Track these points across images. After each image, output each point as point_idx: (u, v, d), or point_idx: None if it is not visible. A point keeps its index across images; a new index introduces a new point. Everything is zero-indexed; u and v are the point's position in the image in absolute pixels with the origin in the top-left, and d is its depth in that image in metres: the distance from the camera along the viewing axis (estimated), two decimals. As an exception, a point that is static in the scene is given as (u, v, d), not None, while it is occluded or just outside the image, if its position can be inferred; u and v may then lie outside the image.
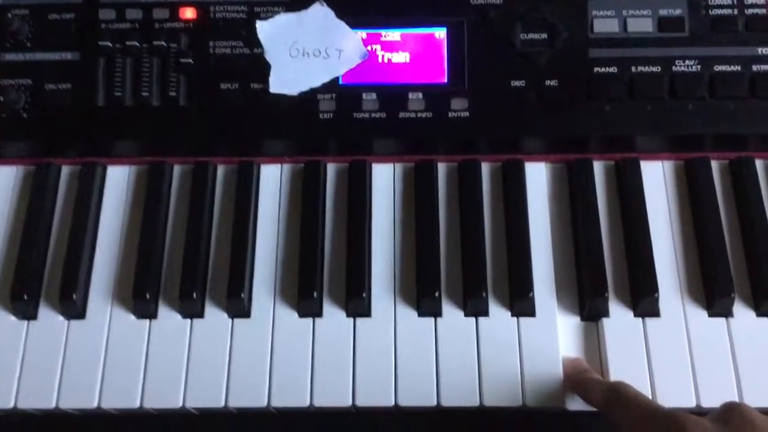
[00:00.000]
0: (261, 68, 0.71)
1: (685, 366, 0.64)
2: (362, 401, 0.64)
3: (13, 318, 0.67)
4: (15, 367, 0.65)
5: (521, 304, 0.66)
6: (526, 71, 0.71)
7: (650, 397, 0.62)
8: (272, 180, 0.72)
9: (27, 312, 0.67)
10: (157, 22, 0.72)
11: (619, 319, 0.66)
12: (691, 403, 0.63)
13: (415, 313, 0.67)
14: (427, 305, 0.66)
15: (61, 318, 0.67)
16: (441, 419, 0.67)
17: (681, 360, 0.64)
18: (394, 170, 0.72)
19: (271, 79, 0.70)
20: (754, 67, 0.71)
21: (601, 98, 0.70)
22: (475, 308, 0.66)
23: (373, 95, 0.71)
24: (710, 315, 0.66)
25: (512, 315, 0.66)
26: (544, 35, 0.71)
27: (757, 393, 0.63)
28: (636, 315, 0.66)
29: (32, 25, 0.72)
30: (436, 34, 0.72)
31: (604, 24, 0.71)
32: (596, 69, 0.71)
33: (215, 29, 0.72)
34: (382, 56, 0.72)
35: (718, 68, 0.71)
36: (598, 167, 0.72)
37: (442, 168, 0.72)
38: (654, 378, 0.64)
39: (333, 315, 0.67)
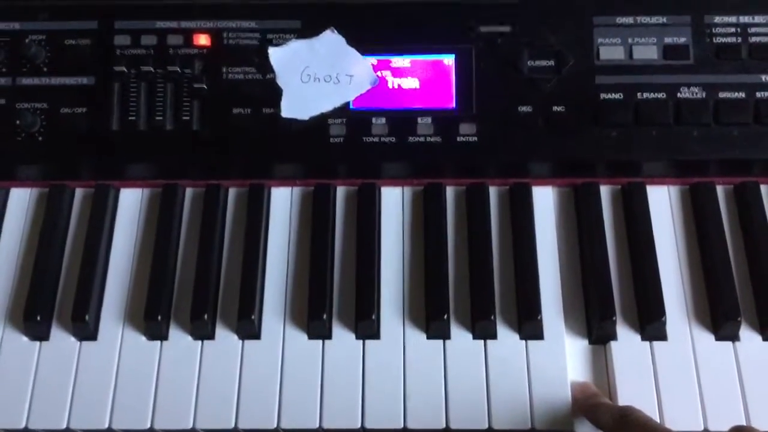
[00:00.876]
0: (273, 93, 0.72)
1: (692, 390, 0.65)
2: (371, 423, 0.64)
3: (25, 339, 0.68)
4: (27, 388, 0.66)
5: (529, 327, 0.66)
6: (533, 97, 0.72)
7: (658, 421, 0.63)
8: (283, 203, 0.73)
9: (39, 333, 0.68)
10: (172, 48, 0.73)
11: (626, 342, 0.67)
12: (699, 427, 0.63)
13: (424, 336, 0.67)
14: (436, 328, 0.67)
15: (73, 339, 0.68)
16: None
17: (688, 384, 0.65)
18: (403, 194, 0.73)
19: (283, 104, 0.72)
20: (758, 94, 0.72)
21: (607, 124, 0.71)
22: (484, 331, 0.67)
23: (383, 120, 0.72)
24: (717, 339, 0.67)
25: (521, 338, 0.67)
26: (551, 62, 0.72)
27: (764, 417, 0.63)
28: (643, 339, 0.67)
29: (49, 50, 0.74)
30: (445, 61, 0.73)
31: (610, 51, 0.73)
32: (602, 95, 0.72)
33: (228, 55, 0.73)
34: (392, 82, 0.73)
35: (722, 95, 0.72)
36: (605, 191, 0.73)
37: (450, 192, 0.73)
38: (662, 402, 0.64)
39: (342, 337, 0.67)
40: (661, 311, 0.66)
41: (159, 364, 0.66)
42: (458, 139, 0.71)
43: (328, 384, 0.65)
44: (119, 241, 0.72)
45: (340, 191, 0.74)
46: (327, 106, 0.72)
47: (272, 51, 0.73)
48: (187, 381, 0.66)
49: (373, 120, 0.72)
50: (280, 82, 0.72)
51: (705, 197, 0.71)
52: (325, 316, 0.67)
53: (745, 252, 0.70)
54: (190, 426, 0.64)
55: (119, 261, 0.71)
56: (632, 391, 0.64)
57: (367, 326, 0.67)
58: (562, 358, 0.66)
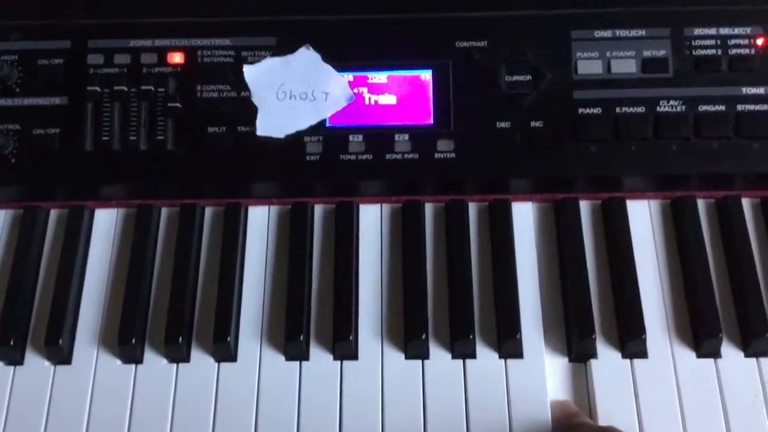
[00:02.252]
0: (248, 111, 0.71)
1: (673, 407, 0.64)
2: (349, 446, 0.63)
3: (-1, 363, 0.67)
4: (0, 413, 0.65)
5: (509, 345, 0.66)
6: (511, 112, 0.71)
7: (639, 439, 0.62)
8: (260, 222, 0.72)
9: (13, 357, 0.67)
10: (145, 66, 0.72)
11: (607, 360, 0.66)
12: (681, 446, 0.63)
13: (402, 356, 0.66)
14: (414, 348, 0.66)
15: (47, 363, 0.67)
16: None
17: (670, 401, 0.64)
18: (381, 211, 0.73)
19: (258, 122, 0.71)
20: (739, 107, 0.71)
21: (586, 139, 0.71)
22: (463, 350, 0.66)
23: (360, 137, 0.71)
24: (698, 356, 0.66)
25: (500, 357, 0.66)
26: (529, 77, 0.72)
27: (746, 433, 0.63)
28: (624, 356, 0.66)
29: (21, 70, 0.73)
30: (422, 76, 0.73)
31: (588, 66, 0.72)
32: (581, 110, 0.71)
33: (203, 73, 0.72)
34: (369, 98, 0.72)
35: (702, 108, 0.71)
36: (585, 207, 0.72)
37: (429, 208, 0.72)
38: (642, 420, 0.63)
39: (320, 358, 0.66)
40: (641, 328, 0.65)
41: (134, 387, 0.66)
42: (436, 155, 0.71)
43: (305, 406, 0.64)
44: (94, 262, 0.71)
45: (318, 209, 0.73)
46: (303, 124, 0.71)
47: (247, 69, 0.72)
48: (162, 405, 0.65)
49: (350, 137, 0.71)
50: (255, 100, 0.71)
51: (686, 212, 0.71)
52: (302, 337, 0.66)
53: (726, 267, 0.69)
54: (165, 450, 0.63)
55: (94, 283, 0.70)
56: (613, 409, 0.64)
57: (344, 347, 0.66)
58: (542, 377, 0.65)
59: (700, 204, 0.72)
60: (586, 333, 0.65)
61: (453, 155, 0.71)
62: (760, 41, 0.72)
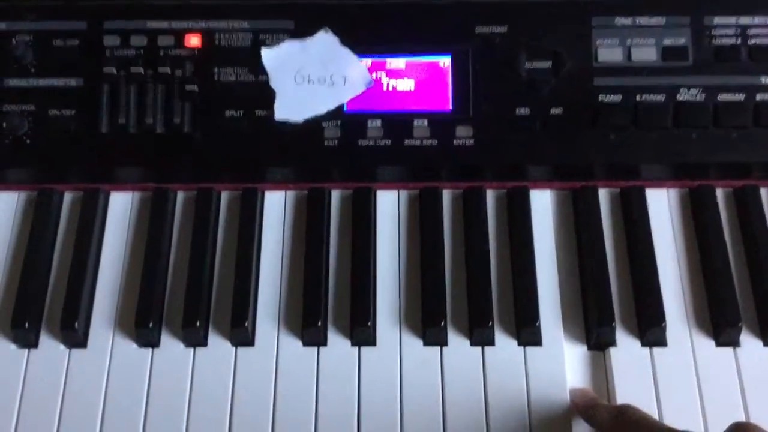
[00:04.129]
0: (266, 95, 0.71)
1: (692, 396, 0.64)
2: (368, 432, 0.63)
3: (13, 346, 0.66)
4: (15, 396, 0.64)
5: (527, 333, 0.65)
6: (531, 99, 0.71)
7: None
8: (276, 206, 0.72)
9: (28, 340, 0.66)
10: (162, 49, 0.71)
11: (626, 348, 0.66)
12: (699, 433, 0.63)
13: (420, 342, 0.66)
14: (432, 335, 0.66)
15: (62, 347, 0.66)
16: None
17: (688, 390, 0.64)
18: (398, 197, 0.72)
19: (276, 106, 0.70)
20: (758, 96, 0.71)
21: (605, 126, 0.70)
22: (481, 338, 0.66)
23: (378, 122, 0.71)
24: (717, 345, 0.66)
25: (519, 344, 0.66)
26: (549, 64, 0.71)
27: (764, 423, 0.62)
28: (643, 344, 0.66)
29: (36, 50, 0.72)
30: (441, 62, 0.72)
31: (609, 53, 0.72)
32: (601, 97, 0.71)
33: (220, 56, 0.72)
34: (387, 84, 0.72)
35: (721, 97, 0.71)
36: (603, 195, 0.72)
37: (446, 195, 0.72)
38: (662, 408, 0.63)
39: (338, 344, 0.66)
40: (660, 317, 0.65)
41: (150, 371, 0.65)
42: (455, 142, 0.70)
43: (323, 392, 0.64)
44: (109, 245, 0.70)
45: (335, 195, 0.72)
46: (321, 109, 0.71)
47: (265, 52, 0.71)
48: (179, 390, 0.64)
49: (368, 123, 0.71)
50: (273, 83, 0.71)
51: (705, 201, 0.71)
52: (320, 323, 0.65)
53: (745, 256, 0.69)
54: (182, 435, 0.63)
55: (109, 266, 0.69)
56: (632, 397, 0.63)
57: (362, 333, 0.66)
58: (561, 364, 0.65)
59: (719, 193, 0.72)
60: (606, 321, 0.65)
61: (472, 142, 0.70)
62: (780, 31, 0.72)
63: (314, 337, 0.66)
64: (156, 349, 0.66)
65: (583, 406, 0.63)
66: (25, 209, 0.72)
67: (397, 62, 0.72)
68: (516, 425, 0.63)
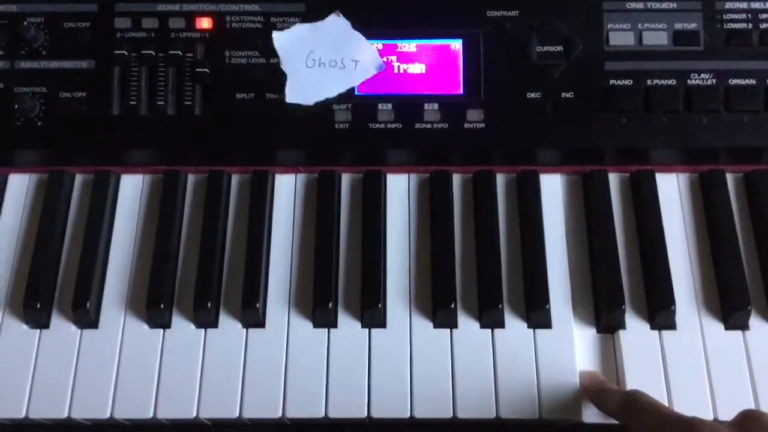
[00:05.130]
0: (277, 78, 0.71)
1: (701, 379, 0.64)
2: (378, 413, 0.63)
3: (25, 327, 0.67)
4: (27, 376, 0.65)
5: (537, 315, 0.66)
6: (542, 83, 0.71)
7: (667, 410, 0.62)
8: (287, 190, 0.72)
9: (39, 321, 0.67)
10: (173, 31, 0.72)
11: (635, 331, 0.66)
12: (708, 416, 0.63)
13: (430, 324, 0.66)
14: (442, 317, 0.66)
15: (73, 327, 0.67)
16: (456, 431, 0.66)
17: (698, 373, 0.64)
18: (409, 181, 0.72)
19: (287, 89, 0.70)
20: (769, 81, 0.71)
21: (616, 110, 0.70)
22: (491, 320, 0.66)
23: (389, 106, 0.71)
24: (726, 328, 0.66)
25: (528, 327, 0.66)
26: (560, 47, 0.71)
27: (774, 406, 0.63)
28: (652, 328, 0.66)
29: (47, 33, 0.72)
30: (452, 46, 0.72)
31: (620, 37, 0.72)
32: (612, 81, 0.71)
33: (231, 39, 0.72)
34: (398, 67, 0.72)
35: (732, 82, 0.71)
36: (614, 179, 0.72)
37: (457, 179, 0.72)
38: (671, 391, 0.64)
39: (348, 325, 0.66)
40: (670, 300, 0.65)
41: (161, 352, 0.65)
42: (465, 125, 0.70)
43: (333, 373, 0.64)
44: (120, 227, 0.71)
45: (345, 178, 0.72)
46: (332, 92, 0.71)
47: (276, 35, 0.71)
48: (190, 370, 0.65)
49: (379, 106, 0.71)
50: (284, 66, 0.71)
51: (715, 185, 0.71)
52: (330, 305, 0.66)
53: (754, 240, 0.69)
54: (193, 416, 0.63)
55: (120, 248, 0.70)
56: (641, 380, 0.63)
57: (373, 314, 0.66)
58: (571, 347, 0.65)
59: (729, 178, 0.72)
60: (616, 304, 0.65)
61: (482, 125, 0.70)
62: (791, 16, 0.72)
63: (325, 319, 0.66)
64: (167, 330, 0.66)
65: (592, 391, 0.63)
66: (37, 191, 0.72)
67: (408, 46, 0.72)
68: (525, 408, 0.63)
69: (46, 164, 0.72)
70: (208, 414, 0.63)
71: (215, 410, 0.63)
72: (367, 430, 0.66)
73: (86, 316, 0.66)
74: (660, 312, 0.65)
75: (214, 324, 0.66)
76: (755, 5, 0.72)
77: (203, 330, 0.66)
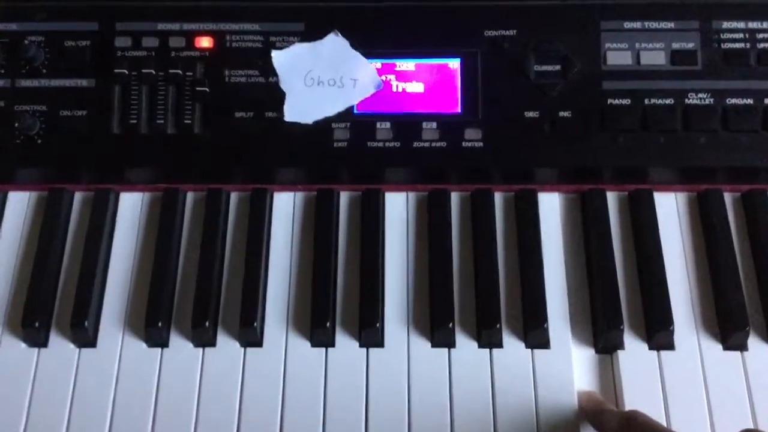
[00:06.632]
0: (276, 97, 0.71)
1: (700, 400, 0.64)
2: (375, 434, 0.63)
3: (23, 345, 0.67)
4: (25, 396, 0.65)
5: (535, 335, 0.66)
6: (540, 102, 0.71)
7: (665, 430, 0.62)
8: (285, 208, 0.72)
9: (38, 339, 0.67)
10: (173, 50, 0.72)
11: (633, 351, 0.66)
12: (707, 438, 0.63)
13: (428, 344, 0.66)
14: (440, 336, 0.66)
15: (72, 346, 0.67)
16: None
17: (696, 394, 0.64)
18: (407, 199, 0.72)
19: (286, 108, 0.71)
20: (767, 101, 0.71)
21: (614, 129, 0.70)
22: (489, 340, 0.66)
23: (387, 124, 0.71)
24: (725, 348, 0.66)
25: (526, 347, 0.66)
26: (558, 67, 0.72)
27: (772, 427, 0.63)
28: (651, 348, 0.66)
29: (48, 51, 0.72)
30: (450, 65, 0.72)
31: (617, 56, 0.72)
32: (609, 101, 0.71)
33: (231, 58, 0.72)
34: (397, 86, 0.72)
35: (730, 101, 0.71)
36: (612, 198, 0.72)
37: (455, 197, 0.72)
38: (669, 412, 0.63)
39: (346, 345, 0.66)
40: (668, 320, 0.65)
41: (159, 371, 0.65)
42: (463, 144, 0.71)
43: (331, 393, 0.64)
44: (119, 245, 0.71)
45: (344, 196, 0.73)
46: (331, 110, 0.71)
47: (275, 54, 0.72)
48: (188, 389, 0.64)
49: (378, 125, 0.71)
50: (283, 85, 0.71)
51: (713, 205, 0.71)
52: (328, 324, 0.66)
53: (753, 260, 0.69)
54: (191, 435, 0.63)
55: (119, 266, 0.70)
56: (639, 401, 0.63)
57: (371, 334, 0.66)
58: (569, 367, 0.65)
59: (727, 197, 0.72)
60: (614, 324, 0.65)
61: (480, 144, 0.71)
62: (789, 36, 0.72)
63: (322, 338, 0.66)
64: (165, 349, 0.66)
65: (590, 411, 0.63)
66: (36, 209, 0.72)
67: (407, 65, 0.72)
68: (523, 428, 0.63)
69: (45, 182, 0.73)
70: (206, 434, 0.63)
71: (212, 431, 0.63)
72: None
73: (84, 335, 0.66)
74: (658, 332, 0.65)
75: (212, 343, 0.66)
76: (752, 25, 0.73)
77: (201, 349, 0.66)
